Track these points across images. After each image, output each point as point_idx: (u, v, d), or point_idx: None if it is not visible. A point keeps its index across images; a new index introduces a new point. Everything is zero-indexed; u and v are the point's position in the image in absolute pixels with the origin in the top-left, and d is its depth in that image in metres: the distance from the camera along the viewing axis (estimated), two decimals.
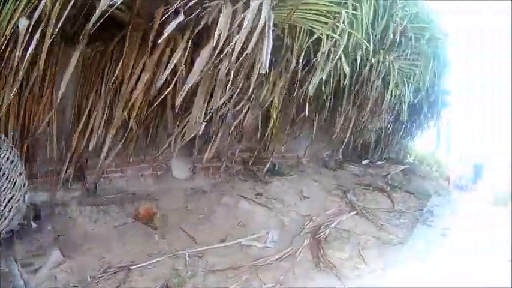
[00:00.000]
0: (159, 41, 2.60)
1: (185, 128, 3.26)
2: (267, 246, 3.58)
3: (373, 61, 4.59)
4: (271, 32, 2.75)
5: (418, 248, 3.97)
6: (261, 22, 2.59)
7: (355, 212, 4.61)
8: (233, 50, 2.60)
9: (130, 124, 3.23)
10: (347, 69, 4.06)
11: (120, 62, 2.96)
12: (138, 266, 2.89)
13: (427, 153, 13.77)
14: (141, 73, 2.93)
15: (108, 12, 2.41)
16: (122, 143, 3.40)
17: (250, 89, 3.28)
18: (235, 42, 2.56)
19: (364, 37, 4.18)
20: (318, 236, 3.83)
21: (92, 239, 3.13)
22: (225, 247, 3.45)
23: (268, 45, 2.71)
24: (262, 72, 2.78)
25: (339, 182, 5.62)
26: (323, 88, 4.51)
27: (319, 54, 3.73)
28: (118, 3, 2.32)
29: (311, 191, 5.05)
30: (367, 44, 4.17)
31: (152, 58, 2.88)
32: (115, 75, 2.99)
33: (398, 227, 4.53)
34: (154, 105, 3.14)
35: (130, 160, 3.79)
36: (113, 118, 3.11)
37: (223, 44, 2.58)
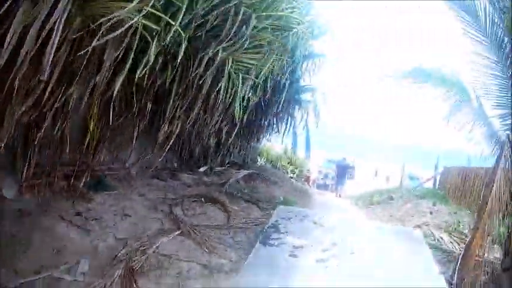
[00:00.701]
0: None
1: None
2: (75, 279, 3.15)
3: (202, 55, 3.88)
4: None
5: (256, 276, 3.42)
6: None
7: (179, 232, 4.10)
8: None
9: None
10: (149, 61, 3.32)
11: None
12: None
13: (282, 155, 14.28)
14: None
15: None
16: None
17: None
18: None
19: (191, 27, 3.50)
20: (132, 265, 3.34)
21: None
22: (39, 279, 3.04)
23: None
24: (42, 78, 2.56)
25: (167, 194, 4.91)
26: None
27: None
28: None
29: (135, 208, 4.45)
30: (182, 32, 3.43)
31: None
32: None
33: (232, 247, 4.09)
34: None
35: None
36: None
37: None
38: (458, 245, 5.42)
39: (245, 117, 5.53)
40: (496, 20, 4.55)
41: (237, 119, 4.85)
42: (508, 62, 4.54)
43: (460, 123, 5.03)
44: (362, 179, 33.31)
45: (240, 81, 4.51)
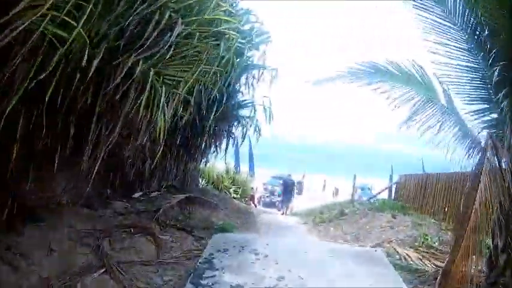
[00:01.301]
0: None
1: None
2: None
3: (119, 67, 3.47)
4: None
5: None
6: None
7: (103, 270, 3.57)
8: None
9: None
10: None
11: None
12: None
13: (224, 175, 13.96)
14: None
15: None
16: None
17: None
18: None
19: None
20: None
21: None
22: None
23: None
24: None
25: (96, 225, 4.41)
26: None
27: None
28: None
29: (62, 241, 3.90)
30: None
31: None
32: None
33: None
34: None
35: None
36: None
37: None
38: (429, 261, 4.96)
39: (178, 137, 5.24)
40: (467, 6, 4.11)
41: (161, 139, 4.38)
42: (482, 52, 4.12)
43: (425, 126, 4.53)
44: (311, 194, 33.93)
45: (163, 95, 4.05)
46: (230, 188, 13.53)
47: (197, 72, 4.20)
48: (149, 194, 5.98)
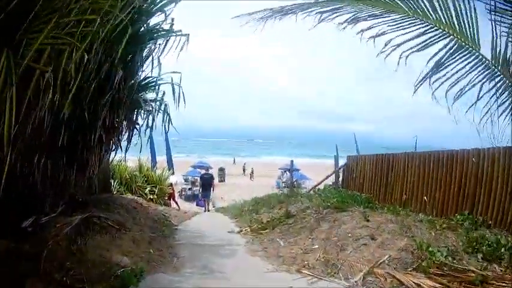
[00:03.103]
0: None
1: None
2: None
3: None
4: None
5: None
6: None
7: None
8: None
9: None
10: None
11: None
12: None
13: (137, 173, 11.93)
14: None
15: None
16: None
17: None
18: None
19: None
20: None
21: None
22: None
23: None
24: None
25: None
26: None
27: None
28: None
29: None
30: None
31: None
32: None
33: None
34: None
35: None
36: None
37: None
38: None
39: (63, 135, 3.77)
40: None
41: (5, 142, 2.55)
42: None
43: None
44: (234, 180, 32.81)
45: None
46: (145, 189, 11.74)
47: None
48: (40, 219, 4.21)
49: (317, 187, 11.32)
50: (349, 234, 5.29)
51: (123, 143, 6.26)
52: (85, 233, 4.31)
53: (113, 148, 6.32)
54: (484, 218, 5.23)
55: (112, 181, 9.95)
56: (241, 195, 15.70)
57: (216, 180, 28.41)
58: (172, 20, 5.46)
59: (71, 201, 5.33)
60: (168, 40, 5.42)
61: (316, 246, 5.22)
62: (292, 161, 13.82)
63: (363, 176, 9.20)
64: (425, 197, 6.54)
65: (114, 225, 4.91)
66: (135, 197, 10.05)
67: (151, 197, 11.74)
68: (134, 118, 6.24)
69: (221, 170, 34.52)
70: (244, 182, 33.76)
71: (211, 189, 17.61)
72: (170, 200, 14.74)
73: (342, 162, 10.74)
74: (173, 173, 16.38)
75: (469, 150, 5.75)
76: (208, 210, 16.08)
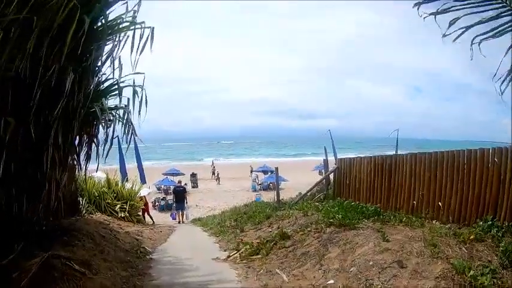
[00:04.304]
0: None
1: None
2: None
3: None
4: None
5: None
6: None
7: None
8: None
9: None
10: None
11: None
12: None
13: (105, 189, 10.82)
14: None
15: None
16: None
17: None
18: None
19: None
20: None
21: None
22: None
23: None
24: None
25: None
26: None
27: None
28: None
29: None
30: None
31: None
32: None
33: None
34: None
35: None
36: None
37: None
38: None
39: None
40: None
41: None
42: None
43: None
44: (207, 185, 31.79)
45: None
46: (115, 206, 10.56)
47: None
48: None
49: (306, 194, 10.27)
50: (371, 262, 4.16)
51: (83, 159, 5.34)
52: (43, 284, 3.35)
53: (74, 165, 5.38)
54: (509, 224, 4.62)
55: (81, 199, 8.90)
56: (216, 201, 15.09)
57: (189, 186, 27.59)
58: (135, 12, 4.64)
59: (31, 235, 4.38)
60: (128, 36, 4.54)
61: (332, 282, 4.05)
62: (265, 164, 13.76)
63: (359, 180, 8.15)
64: (439, 202, 5.80)
65: (79, 267, 3.97)
66: (105, 218, 9.01)
67: (122, 214, 10.68)
68: (92, 131, 5.31)
69: (193, 175, 33.52)
70: (217, 186, 32.93)
71: (185, 201, 17.81)
72: (144, 215, 13.75)
73: (320, 158, 10.05)
74: (145, 183, 15.28)
75: (489, 149, 5.18)
76: (183, 222, 16.35)
